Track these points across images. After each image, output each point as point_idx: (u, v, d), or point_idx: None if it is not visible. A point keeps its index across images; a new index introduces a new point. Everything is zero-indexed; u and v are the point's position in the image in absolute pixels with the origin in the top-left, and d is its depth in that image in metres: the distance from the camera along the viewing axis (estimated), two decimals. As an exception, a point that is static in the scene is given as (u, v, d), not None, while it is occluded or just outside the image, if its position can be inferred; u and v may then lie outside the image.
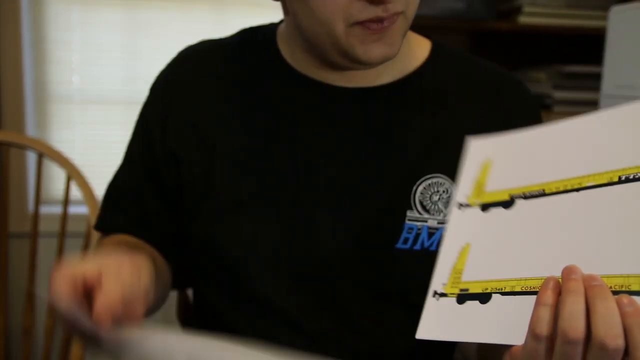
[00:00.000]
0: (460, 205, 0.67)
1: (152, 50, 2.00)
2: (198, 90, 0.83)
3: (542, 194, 0.63)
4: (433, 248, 0.76)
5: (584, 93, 1.76)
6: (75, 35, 1.98)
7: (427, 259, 0.74)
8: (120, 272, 0.62)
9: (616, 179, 0.59)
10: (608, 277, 0.54)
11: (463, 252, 0.64)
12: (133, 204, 0.87)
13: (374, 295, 0.79)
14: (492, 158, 0.68)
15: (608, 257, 0.56)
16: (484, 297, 0.61)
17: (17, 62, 1.91)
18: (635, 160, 0.59)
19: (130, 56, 2.00)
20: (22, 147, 1.30)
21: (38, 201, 1.29)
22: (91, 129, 2.03)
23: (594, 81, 1.61)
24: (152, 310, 0.73)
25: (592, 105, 1.66)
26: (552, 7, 1.75)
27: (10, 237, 1.32)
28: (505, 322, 0.58)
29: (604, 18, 1.50)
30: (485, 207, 0.66)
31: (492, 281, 0.61)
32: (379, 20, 0.69)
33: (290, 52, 0.82)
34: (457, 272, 0.64)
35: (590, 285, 0.51)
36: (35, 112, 1.99)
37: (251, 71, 0.82)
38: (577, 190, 0.61)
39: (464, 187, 0.68)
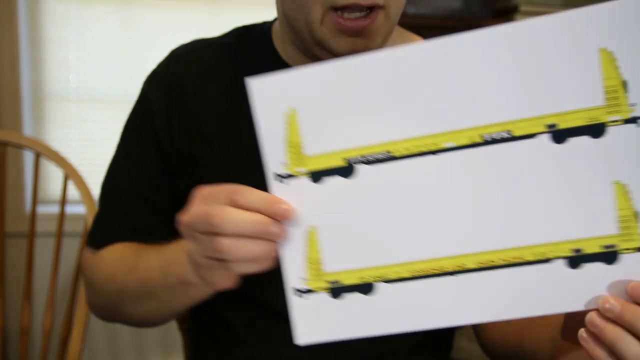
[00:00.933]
0: (279, 177, 0.56)
1: (149, 48, 1.99)
2: (197, 89, 0.82)
3: (390, 158, 0.54)
4: None
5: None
6: (72, 34, 1.98)
7: None
8: None
9: (478, 139, 0.52)
10: (500, 251, 0.53)
11: (311, 239, 0.56)
12: (140, 210, 0.83)
13: None
14: (294, 106, 0.55)
15: (492, 230, 0.53)
16: (365, 288, 0.56)
17: (14, 61, 1.91)
18: (500, 112, 0.52)
19: (127, 54, 1.99)
20: (19, 147, 1.30)
21: (35, 201, 1.29)
22: (88, 128, 2.02)
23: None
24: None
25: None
26: (548, 5, 1.75)
27: (7, 237, 1.32)
28: (398, 311, 0.55)
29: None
30: (316, 176, 0.55)
31: (367, 269, 0.55)
32: (358, 8, 0.68)
33: (282, 48, 0.82)
34: (314, 263, 0.56)
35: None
36: (32, 111, 1.99)
37: (248, 68, 0.82)
38: (434, 152, 0.53)
39: (274, 151, 0.55)
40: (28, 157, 1.95)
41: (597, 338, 0.51)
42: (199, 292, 0.64)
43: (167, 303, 0.70)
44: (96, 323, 2.00)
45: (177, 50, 0.87)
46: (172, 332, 1.96)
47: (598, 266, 0.52)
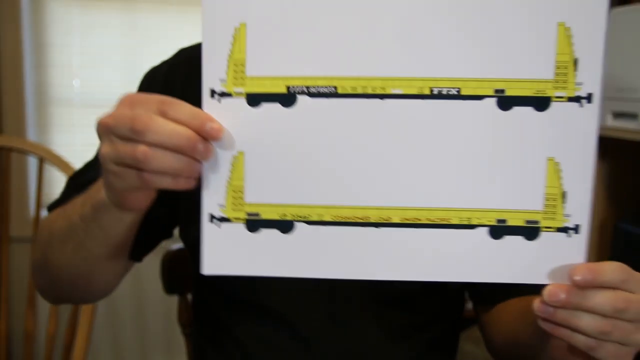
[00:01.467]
0: (214, 93, 0.52)
1: (152, 54, 2.00)
2: (191, 85, 0.82)
3: (334, 94, 0.52)
4: None
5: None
6: (75, 39, 1.98)
7: None
8: None
9: (427, 91, 0.51)
10: (427, 210, 0.53)
11: (237, 164, 0.53)
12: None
13: (373, 297, 0.78)
14: (244, 21, 0.52)
15: (423, 187, 0.53)
16: (284, 226, 0.53)
17: (18, 66, 1.91)
18: (452, 68, 0.51)
19: (130, 59, 2.00)
20: (23, 152, 1.30)
21: (39, 205, 1.29)
22: (92, 133, 2.02)
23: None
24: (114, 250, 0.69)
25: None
26: None
27: (11, 242, 1.32)
28: (313, 255, 0.54)
29: (604, 20, 1.50)
30: (253, 99, 0.52)
31: (290, 206, 0.53)
32: None
33: None
34: (236, 190, 0.53)
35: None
36: (36, 116, 1.99)
37: None
38: (381, 97, 0.51)
39: (214, 66, 0.52)
40: (32, 162, 1.95)
41: (552, 321, 0.52)
42: (113, 220, 0.61)
43: (83, 241, 0.67)
44: (100, 328, 2.00)
45: (181, 51, 0.87)
46: (176, 337, 1.96)
47: (518, 240, 0.53)
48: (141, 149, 0.50)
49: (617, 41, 1.44)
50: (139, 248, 0.79)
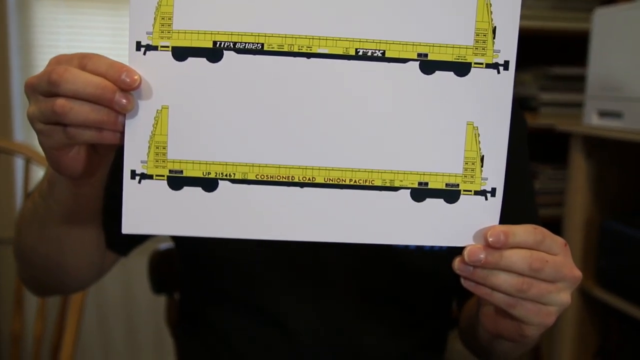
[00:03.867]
0: (140, 46, 0.51)
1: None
2: None
3: (261, 51, 0.52)
4: (427, 248, 0.76)
5: (570, 95, 1.77)
6: (62, 40, 1.97)
7: (422, 258, 0.74)
8: None
9: (352, 52, 0.52)
10: (350, 171, 0.53)
11: (161, 118, 0.52)
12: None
13: (364, 295, 0.79)
14: None
15: (347, 148, 0.53)
16: (208, 184, 0.53)
17: (4, 67, 1.90)
18: (377, 30, 0.52)
19: (117, 58, 1.99)
20: (9, 153, 1.30)
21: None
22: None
23: (580, 82, 1.62)
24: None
25: (578, 106, 1.67)
26: (536, 9, 1.76)
27: (-2, 243, 1.31)
28: (236, 215, 0.53)
29: (589, 20, 1.52)
30: (179, 53, 0.51)
31: (214, 163, 0.53)
32: None
33: None
34: (158, 146, 0.52)
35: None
36: (22, 117, 1.98)
37: None
38: (307, 56, 0.52)
39: (141, 18, 0.51)
40: (18, 163, 1.94)
41: (473, 280, 0.53)
42: (65, 191, 0.62)
43: (44, 219, 0.67)
44: (89, 329, 1.99)
45: None
46: (166, 338, 1.95)
47: (439, 202, 0.54)
48: (59, 101, 0.50)
49: (602, 41, 1.45)
50: (122, 240, 0.79)
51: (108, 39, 1.99)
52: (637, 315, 1.36)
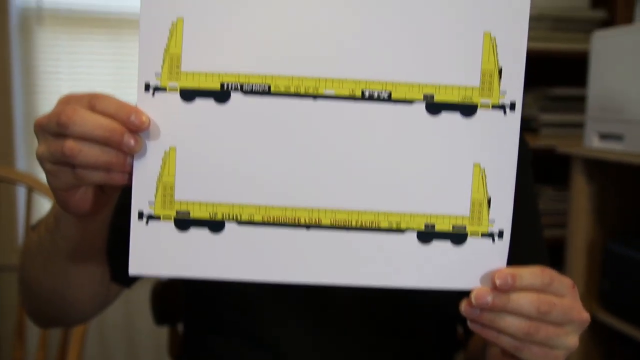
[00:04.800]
0: (149, 87, 0.52)
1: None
2: None
3: (268, 92, 0.52)
4: None
5: (570, 115, 1.78)
6: (64, 65, 1.99)
7: (424, 290, 0.74)
8: None
9: (359, 94, 0.52)
10: (356, 212, 0.53)
11: (168, 159, 0.52)
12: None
13: (366, 326, 0.78)
14: (182, 15, 0.52)
15: (354, 190, 0.53)
16: (214, 225, 0.53)
17: (7, 94, 1.91)
18: (384, 71, 0.52)
19: (118, 85, 2.00)
20: (12, 182, 1.30)
21: (28, 234, 1.29)
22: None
23: (580, 103, 1.63)
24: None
25: (578, 127, 1.68)
26: (536, 30, 1.77)
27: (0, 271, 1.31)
28: (242, 257, 0.53)
29: (587, 41, 1.52)
30: (187, 95, 0.52)
31: (221, 205, 0.53)
32: None
33: None
34: (166, 187, 0.52)
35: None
36: (25, 145, 1.99)
37: None
38: (313, 97, 0.52)
39: (150, 60, 0.52)
40: (20, 192, 1.94)
41: (480, 322, 0.53)
42: (71, 227, 0.62)
43: (50, 253, 0.67)
44: (90, 359, 1.98)
45: None
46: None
47: (446, 245, 0.53)
48: (68, 143, 0.50)
49: (601, 63, 1.46)
50: (126, 272, 0.79)
51: (108, 64, 2.00)
52: (642, 339, 1.35)
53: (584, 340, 1.56)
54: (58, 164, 0.52)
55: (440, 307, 0.79)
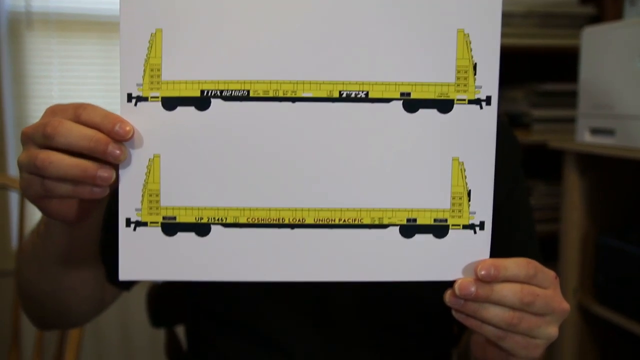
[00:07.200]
0: (131, 97, 0.53)
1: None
2: None
3: (247, 97, 0.53)
4: None
5: (561, 110, 1.79)
6: (54, 70, 1.98)
7: (420, 286, 0.74)
8: None
9: (336, 94, 0.53)
10: (339, 210, 0.54)
11: (153, 167, 0.53)
12: None
13: (367, 322, 0.79)
14: (160, 26, 0.53)
15: (335, 188, 0.54)
16: (200, 229, 0.54)
17: (-3, 99, 1.91)
18: (360, 72, 0.53)
19: (108, 88, 2.00)
20: (4, 187, 1.30)
21: (21, 239, 1.28)
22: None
23: (571, 98, 1.63)
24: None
25: (570, 122, 1.68)
26: (525, 27, 1.78)
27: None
28: (229, 258, 0.54)
29: (577, 36, 1.53)
30: (169, 103, 0.53)
31: (207, 209, 0.54)
32: None
33: None
34: (152, 194, 0.54)
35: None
36: (16, 150, 1.98)
37: None
38: (292, 100, 0.53)
39: (131, 71, 0.53)
40: (13, 197, 1.94)
41: (463, 312, 0.54)
42: (59, 233, 0.62)
43: (43, 258, 0.68)
44: (86, 360, 1.97)
45: None
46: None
47: (428, 238, 0.55)
48: (41, 154, 0.50)
49: (591, 59, 1.47)
50: None
51: (99, 67, 1.99)
52: (636, 331, 1.36)
53: (579, 333, 1.57)
54: (32, 174, 0.52)
55: (436, 305, 0.79)
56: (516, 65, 2.01)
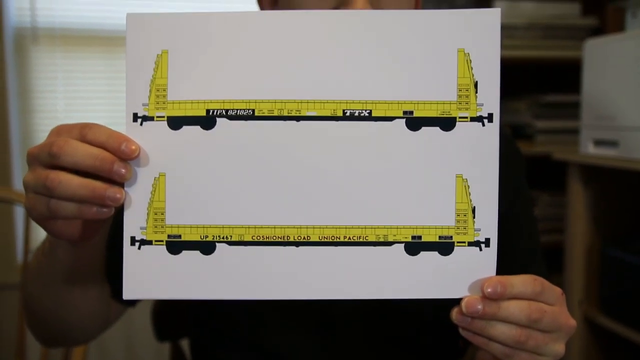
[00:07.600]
0: (137, 117, 0.54)
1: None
2: None
3: (252, 117, 0.54)
4: None
5: (564, 121, 1.79)
6: (59, 84, 1.99)
7: (430, 302, 0.75)
8: None
9: (340, 113, 0.54)
10: (344, 228, 0.54)
11: (158, 186, 0.54)
12: None
13: (371, 336, 0.79)
14: (166, 47, 0.54)
15: (340, 206, 0.54)
16: (205, 247, 0.54)
17: (3, 113, 1.91)
18: (363, 91, 0.54)
19: (114, 102, 2.01)
20: (9, 202, 1.30)
21: (26, 254, 1.29)
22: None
23: (574, 109, 1.64)
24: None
25: (573, 133, 1.69)
26: (528, 39, 1.79)
27: (-1, 292, 1.31)
28: (234, 276, 0.54)
29: (579, 48, 1.53)
30: (174, 123, 0.54)
31: (212, 227, 0.54)
32: None
33: None
34: (157, 212, 0.54)
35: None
36: (22, 165, 1.99)
37: None
38: (296, 119, 0.54)
39: (137, 90, 0.54)
40: (19, 211, 1.94)
41: (471, 330, 0.53)
42: (64, 252, 0.62)
43: (48, 276, 0.68)
44: (91, 374, 1.97)
45: None
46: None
47: (433, 255, 0.54)
48: (52, 174, 0.51)
49: (594, 71, 1.47)
50: None
51: (104, 82, 2.00)
52: (642, 343, 1.36)
53: (584, 345, 1.56)
54: (39, 194, 0.52)
55: (441, 319, 0.79)
56: (519, 77, 2.01)
